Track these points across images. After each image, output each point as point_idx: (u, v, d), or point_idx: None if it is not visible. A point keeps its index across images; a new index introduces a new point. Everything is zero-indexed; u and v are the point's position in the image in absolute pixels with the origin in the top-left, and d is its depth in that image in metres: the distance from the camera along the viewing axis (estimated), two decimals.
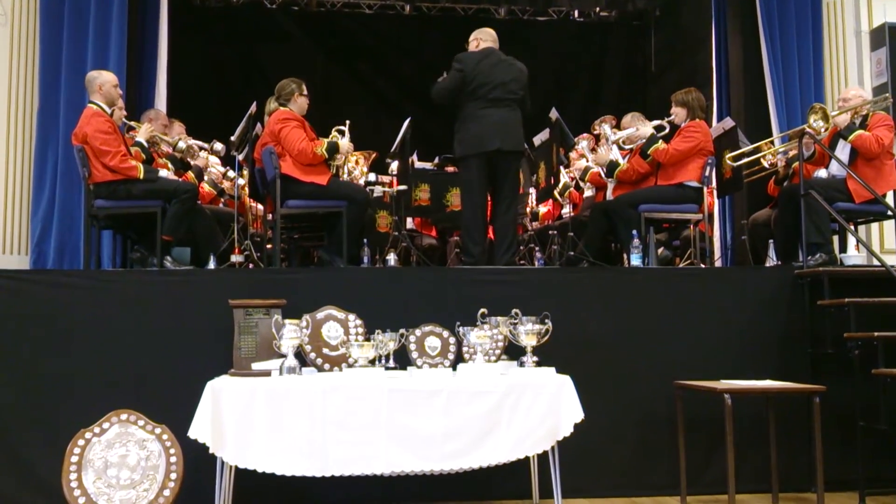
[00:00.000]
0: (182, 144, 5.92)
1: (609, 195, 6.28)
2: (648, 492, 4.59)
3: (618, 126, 6.41)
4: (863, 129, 5.29)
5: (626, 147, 6.09)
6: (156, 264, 5.11)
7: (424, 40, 9.31)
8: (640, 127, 6.00)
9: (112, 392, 4.26)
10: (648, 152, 5.70)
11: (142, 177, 5.17)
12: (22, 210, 6.32)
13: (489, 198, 5.63)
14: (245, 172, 6.03)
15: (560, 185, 6.85)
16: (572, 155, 7.00)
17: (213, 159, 6.46)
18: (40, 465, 4.23)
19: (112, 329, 4.41)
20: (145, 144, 5.56)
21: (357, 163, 6.57)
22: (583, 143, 6.81)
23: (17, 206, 6.31)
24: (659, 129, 5.77)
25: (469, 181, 5.47)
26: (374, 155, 6.94)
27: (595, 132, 6.64)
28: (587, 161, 6.75)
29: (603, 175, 6.35)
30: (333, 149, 5.47)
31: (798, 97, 6.99)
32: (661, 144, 5.65)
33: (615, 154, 6.18)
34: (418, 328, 4.32)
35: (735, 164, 5.63)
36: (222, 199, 6.57)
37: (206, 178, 6.33)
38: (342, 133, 5.61)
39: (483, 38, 5.61)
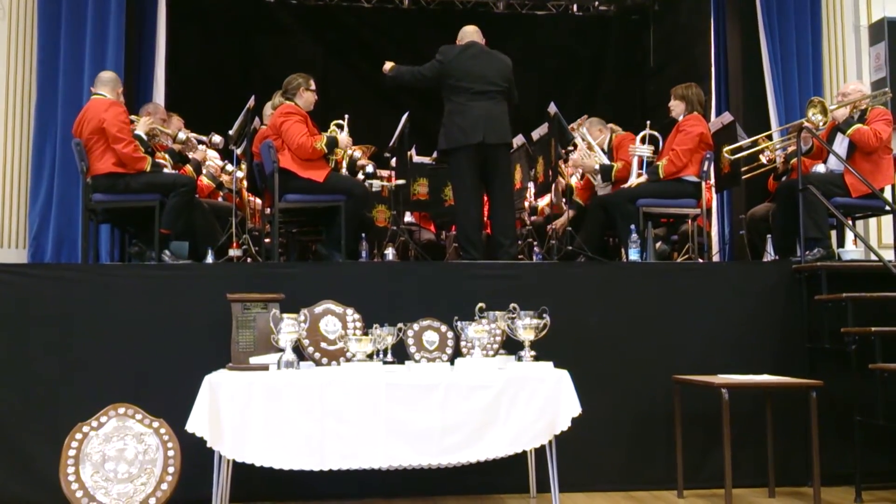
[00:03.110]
0: (182, 136, 5.91)
1: None
2: (646, 486, 4.60)
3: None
4: (861, 123, 5.28)
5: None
6: (154, 258, 5.11)
7: (423, 35, 9.27)
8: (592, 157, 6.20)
9: (110, 386, 4.27)
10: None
11: (149, 170, 5.18)
12: (20, 203, 6.31)
13: (484, 195, 5.61)
14: (243, 166, 6.02)
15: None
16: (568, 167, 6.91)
17: (212, 153, 6.45)
18: (38, 459, 4.24)
19: (110, 323, 4.41)
20: (144, 137, 5.55)
21: (362, 155, 6.56)
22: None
23: (14, 200, 6.30)
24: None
25: (457, 174, 5.45)
26: (372, 149, 6.93)
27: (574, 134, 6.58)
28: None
29: (594, 179, 6.33)
30: (333, 143, 5.46)
31: (797, 92, 6.97)
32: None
33: (601, 157, 6.18)
34: (416, 323, 4.32)
35: (732, 158, 5.63)
36: (221, 193, 6.56)
37: (204, 171, 6.33)
38: (341, 127, 5.61)
39: (464, 37, 5.61)
